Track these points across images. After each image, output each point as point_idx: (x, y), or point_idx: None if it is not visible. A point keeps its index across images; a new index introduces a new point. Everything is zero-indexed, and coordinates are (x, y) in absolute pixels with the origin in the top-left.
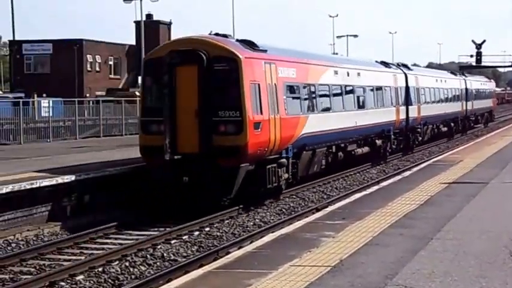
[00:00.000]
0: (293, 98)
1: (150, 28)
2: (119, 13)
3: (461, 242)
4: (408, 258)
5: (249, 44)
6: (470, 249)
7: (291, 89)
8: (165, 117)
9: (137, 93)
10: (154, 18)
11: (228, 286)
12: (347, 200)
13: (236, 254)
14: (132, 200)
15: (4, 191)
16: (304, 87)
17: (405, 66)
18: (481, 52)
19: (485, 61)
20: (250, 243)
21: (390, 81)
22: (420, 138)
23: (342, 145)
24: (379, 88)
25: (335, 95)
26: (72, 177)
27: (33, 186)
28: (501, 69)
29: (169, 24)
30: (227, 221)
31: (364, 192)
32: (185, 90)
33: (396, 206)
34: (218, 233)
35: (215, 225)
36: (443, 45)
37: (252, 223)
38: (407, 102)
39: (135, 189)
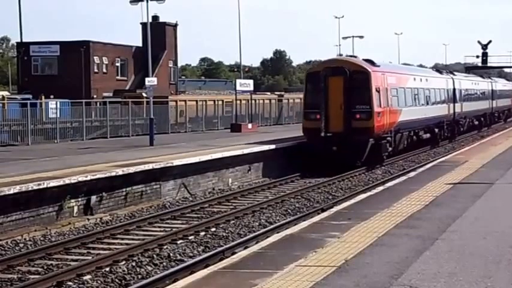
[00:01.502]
0: (394, 96)
1: (157, 29)
2: (126, 15)
3: (466, 243)
4: (413, 259)
5: (370, 62)
6: (475, 249)
7: (393, 91)
8: (321, 109)
9: (144, 94)
10: (161, 19)
11: (234, 286)
12: (352, 201)
13: (242, 254)
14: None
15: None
16: (399, 90)
17: (451, 72)
18: (487, 53)
19: (491, 62)
20: (256, 243)
21: (443, 84)
22: (462, 129)
23: (416, 131)
24: (437, 90)
25: (414, 94)
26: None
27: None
28: (507, 70)
29: (175, 26)
30: (233, 222)
31: (369, 193)
32: (334, 92)
33: (401, 207)
34: (224, 233)
35: (221, 226)
36: (449, 45)
37: (257, 223)
38: (454, 100)
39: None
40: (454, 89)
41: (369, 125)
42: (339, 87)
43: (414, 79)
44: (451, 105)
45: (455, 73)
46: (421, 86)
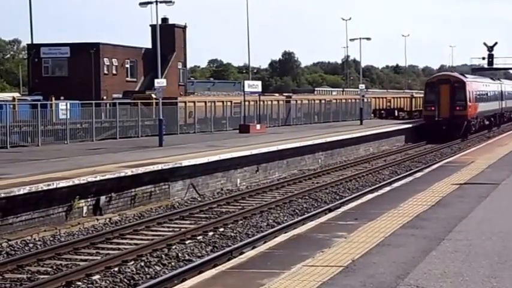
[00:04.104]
0: (475, 96)
1: (166, 31)
2: (135, 17)
3: (472, 243)
4: (420, 259)
5: (463, 75)
6: (481, 249)
7: (475, 92)
8: (435, 104)
9: (153, 96)
10: (170, 21)
11: (242, 286)
12: (359, 201)
13: (250, 254)
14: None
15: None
16: (477, 92)
17: (498, 79)
18: (492, 54)
19: (497, 63)
20: (264, 243)
21: (495, 88)
22: (504, 120)
23: (483, 119)
24: (494, 92)
25: (484, 95)
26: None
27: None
28: None
29: (184, 28)
30: (241, 222)
31: (376, 193)
32: (443, 93)
33: (408, 207)
34: (232, 234)
35: (229, 226)
36: (455, 47)
37: (265, 223)
38: (501, 99)
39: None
40: (501, 91)
41: (464, 113)
42: (446, 90)
43: (483, 85)
44: (500, 102)
45: (501, 80)
46: (487, 89)
